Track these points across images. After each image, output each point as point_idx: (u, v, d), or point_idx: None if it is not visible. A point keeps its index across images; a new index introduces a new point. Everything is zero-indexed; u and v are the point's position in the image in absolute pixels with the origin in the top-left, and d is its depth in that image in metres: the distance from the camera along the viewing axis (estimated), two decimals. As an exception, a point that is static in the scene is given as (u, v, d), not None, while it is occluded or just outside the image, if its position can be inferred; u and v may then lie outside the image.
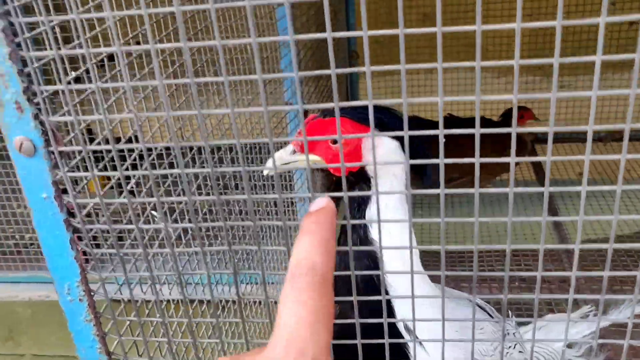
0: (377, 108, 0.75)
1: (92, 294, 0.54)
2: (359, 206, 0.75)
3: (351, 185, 0.74)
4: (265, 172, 0.67)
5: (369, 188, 0.74)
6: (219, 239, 1.07)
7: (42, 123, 0.46)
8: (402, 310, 0.75)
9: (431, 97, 0.41)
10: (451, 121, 1.97)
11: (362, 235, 0.75)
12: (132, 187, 0.66)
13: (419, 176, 0.78)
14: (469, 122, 1.94)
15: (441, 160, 0.42)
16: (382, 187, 0.73)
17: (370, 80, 0.40)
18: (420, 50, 2.09)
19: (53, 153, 0.48)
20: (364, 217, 0.75)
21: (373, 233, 0.75)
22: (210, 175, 0.43)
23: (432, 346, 0.72)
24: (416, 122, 2.10)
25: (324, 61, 1.68)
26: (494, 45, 2.18)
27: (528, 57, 0.37)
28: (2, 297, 1.65)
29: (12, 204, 1.94)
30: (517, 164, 0.43)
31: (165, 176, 0.77)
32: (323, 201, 0.42)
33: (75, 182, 0.50)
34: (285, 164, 0.70)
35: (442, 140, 0.42)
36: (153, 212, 0.73)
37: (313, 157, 0.71)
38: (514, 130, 0.42)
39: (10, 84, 0.45)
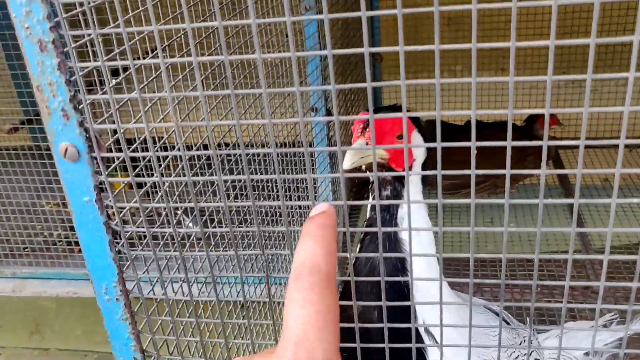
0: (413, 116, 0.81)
1: (128, 293, 0.56)
2: (389, 206, 0.78)
3: (384, 185, 0.78)
4: (346, 166, 0.70)
5: (402, 187, 0.78)
6: (245, 239, 1.09)
7: (86, 130, 0.48)
8: (423, 313, 0.76)
9: (464, 111, 0.42)
10: (476, 126, 1.97)
11: (391, 236, 0.77)
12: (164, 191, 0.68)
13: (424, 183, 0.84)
14: (493, 127, 1.94)
15: (472, 172, 0.43)
16: (412, 189, 0.78)
17: (405, 92, 0.42)
18: (445, 53, 2.08)
19: (95, 159, 0.50)
20: (394, 216, 0.77)
21: (402, 232, 0.77)
22: (247, 182, 0.45)
23: (448, 349, 0.73)
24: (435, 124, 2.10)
25: (348, 65, 1.70)
26: (525, 56, 2.18)
27: (555, 63, 0.38)
28: (31, 293, 1.68)
29: (42, 202, 1.98)
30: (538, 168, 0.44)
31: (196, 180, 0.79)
32: (324, 206, 0.42)
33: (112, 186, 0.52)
34: (362, 157, 0.71)
35: (474, 153, 0.43)
36: (184, 215, 0.75)
37: (381, 152, 0.74)
38: (545, 143, 0.43)
39: (58, 92, 0.47)
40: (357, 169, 0.71)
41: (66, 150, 0.49)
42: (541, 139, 0.43)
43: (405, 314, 0.53)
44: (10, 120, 2.02)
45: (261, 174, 0.73)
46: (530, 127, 2.04)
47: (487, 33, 2.10)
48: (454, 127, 1.97)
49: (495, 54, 2.20)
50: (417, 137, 0.79)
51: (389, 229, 0.78)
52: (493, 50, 2.29)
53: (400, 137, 0.76)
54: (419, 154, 0.80)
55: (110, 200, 0.51)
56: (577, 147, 0.42)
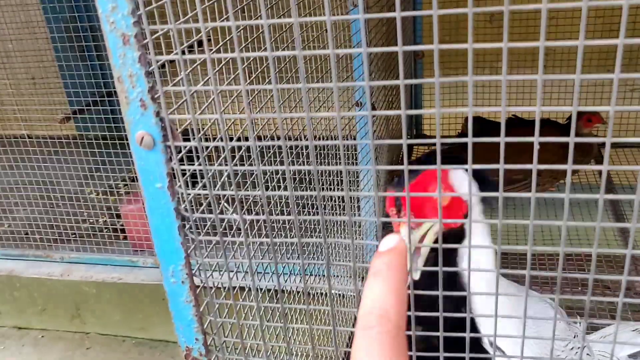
0: (449, 154, 0.75)
1: (193, 277, 0.59)
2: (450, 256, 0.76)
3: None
4: (415, 277, 0.64)
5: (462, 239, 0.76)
6: (292, 230, 1.11)
7: (161, 119, 0.51)
8: (485, 326, 0.76)
9: (495, 107, 0.43)
10: (515, 123, 1.96)
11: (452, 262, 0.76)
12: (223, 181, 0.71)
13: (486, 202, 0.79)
14: (533, 124, 1.93)
15: (534, 166, 0.44)
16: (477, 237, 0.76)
17: (438, 92, 0.43)
18: (487, 50, 2.09)
19: (169, 147, 0.52)
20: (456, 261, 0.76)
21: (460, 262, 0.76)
22: (314, 171, 0.47)
23: (507, 345, 0.74)
24: (479, 123, 2.11)
25: (391, 60, 1.71)
26: (562, 54, 2.16)
27: (593, 55, 0.39)
28: (78, 277, 1.74)
29: (88, 189, 2.05)
30: (576, 171, 0.45)
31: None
32: (394, 240, 0.39)
33: (183, 174, 0.55)
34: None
35: (536, 148, 0.44)
36: (226, 205, 0.77)
37: (427, 225, 0.66)
38: (571, 140, 0.44)
39: (138, 83, 0.50)
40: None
41: (142, 138, 0.52)
42: (584, 137, 0.44)
43: (464, 328, 0.53)
44: (59, 111, 2.09)
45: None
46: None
47: (530, 30, 2.09)
48: (493, 123, 1.96)
49: (536, 52, 2.17)
50: (463, 183, 0.72)
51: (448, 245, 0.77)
52: (535, 48, 2.27)
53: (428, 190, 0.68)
54: (473, 199, 0.72)
55: (180, 187, 0.54)
56: (621, 145, 0.43)
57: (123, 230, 1.80)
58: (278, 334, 0.72)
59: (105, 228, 1.89)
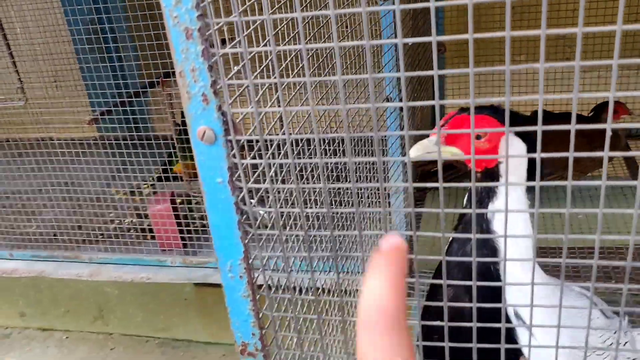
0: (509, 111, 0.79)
1: (251, 271, 0.58)
2: (481, 200, 0.78)
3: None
4: (411, 155, 0.70)
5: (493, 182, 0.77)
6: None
7: (223, 114, 0.51)
8: (512, 296, 0.77)
9: (532, 95, 0.43)
10: (543, 116, 1.94)
11: (484, 227, 0.78)
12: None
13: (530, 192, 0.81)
14: (560, 117, 1.91)
15: (571, 154, 0.44)
16: (515, 196, 0.78)
17: (472, 81, 0.42)
18: (514, 44, 2.07)
19: (230, 142, 0.52)
20: (486, 208, 0.78)
21: (495, 226, 0.77)
22: (349, 164, 0.47)
23: (540, 331, 0.74)
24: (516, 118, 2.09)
25: (416, 56, 1.70)
26: (586, 45, 2.14)
27: (624, 53, 0.39)
28: (107, 277, 1.75)
29: (112, 190, 2.06)
30: (610, 159, 0.44)
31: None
32: (394, 239, 0.40)
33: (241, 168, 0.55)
34: (428, 152, 0.72)
35: (572, 138, 0.44)
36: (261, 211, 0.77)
37: (454, 150, 0.74)
38: (609, 126, 0.43)
39: (200, 78, 0.50)
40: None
41: (204, 133, 0.52)
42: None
43: (495, 299, 0.54)
44: (82, 113, 2.10)
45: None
46: (597, 117, 2.00)
47: (553, 22, 2.07)
48: (521, 117, 1.95)
49: (562, 43, 2.16)
50: (513, 142, 0.78)
51: (482, 210, 0.78)
52: (559, 39, 2.26)
53: (478, 137, 0.75)
54: (518, 161, 0.77)
55: (240, 182, 0.54)
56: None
57: (150, 230, 1.80)
58: (334, 329, 0.71)
59: (132, 228, 1.90)
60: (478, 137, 0.75)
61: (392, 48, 1.32)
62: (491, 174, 0.77)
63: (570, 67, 0.41)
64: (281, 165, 0.61)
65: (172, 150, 1.94)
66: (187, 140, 1.57)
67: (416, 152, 0.73)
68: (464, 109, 0.75)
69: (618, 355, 0.88)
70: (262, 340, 0.61)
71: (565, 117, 1.96)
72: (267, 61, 0.67)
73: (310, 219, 0.76)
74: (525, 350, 0.71)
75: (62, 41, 2.22)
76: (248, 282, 0.58)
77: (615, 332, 0.89)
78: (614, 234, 1.75)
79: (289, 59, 0.70)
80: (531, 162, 0.78)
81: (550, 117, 1.90)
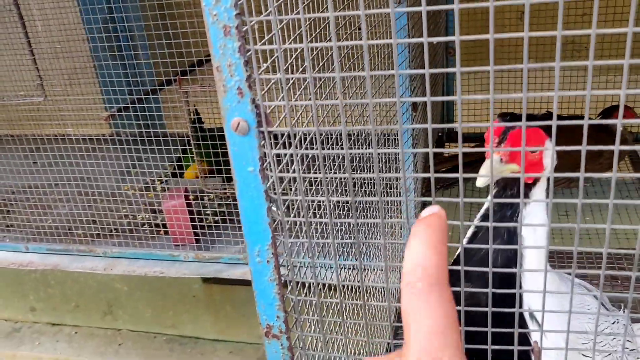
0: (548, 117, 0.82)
1: (278, 256, 0.62)
2: (513, 205, 0.81)
3: (511, 185, 0.81)
4: (479, 184, 0.73)
5: (529, 189, 0.81)
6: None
7: (256, 106, 0.54)
8: (529, 300, 0.80)
9: (548, 92, 0.46)
10: (551, 118, 1.97)
11: (512, 229, 0.80)
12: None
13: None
14: (568, 119, 1.94)
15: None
16: (539, 191, 0.81)
17: (493, 79, 0.46)
18: (518, 47, 2.11)
19: (262, 133, 0.55)
20: (516, 213, 0.81)
21: (522, 228, 0.80)
22: (373, 155, 0.50)
23: (548, 326, 0.77)
24: (514, 118, 2.12)
25: (430, 58, 1.73)
26: (601, 45, 2.17)
27: (634, 56, 0.42)
28: (121, 272, 1.79)
29: (126, 185, 2.09)
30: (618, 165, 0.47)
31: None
32: (434, 208, 0.41)
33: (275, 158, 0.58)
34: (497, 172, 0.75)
35: (585, 132, 0.47)
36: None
37: (513, 167, 0.76)
38: (619, 122, 0.46)
39: (236, 73, 0.53)
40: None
41: (238, 124, 0.55)
42: (616, 133, 0.46)
43: (512, 300, 0.57)
44: (97, 110, 2.14)
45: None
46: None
47: (563, 27, 2.09)
48: (532, 117, 1.98)
49: (571, 48, 2.20)
50: (549, 146, 0.80)
51: (501, 224, 0.81)
52: (567, 44, 2.29)
53: (532, 152, 0.78)
54: (549, 164, 0.81)
55: (270, 171, 0.57)
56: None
57: (164, 226, 1.84)
58: (356, 313, 0.75)
59: (147, 223, 1.93)
60: (532, 151, 0.77)
61: (405, 50, 1.35)
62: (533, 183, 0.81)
63: (581, 72, 0.44)
64: (307, 156, 0.64)
65: (186, 147, 1.98)
66: (203, 138, 1.60)
67: (485, 178, 0.74)
68: (504, 117, 0.78)
69: (619, 345, 0.91)
70: (286, 323, 0.64)
71: (573, 120, 1.98)
72: (295, 55, 0.71)
73: (335, 209, 0.79)
74: (535, 336, 0.74)
75: (78, 39, 2.26)
76: (275, 267, 0.62)
77: (614, 323, 0.92)
78: (621, 239, 1.77)
79: (311, 55, 0.74)
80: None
81: (560, 119, 1.92)
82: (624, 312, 1.07)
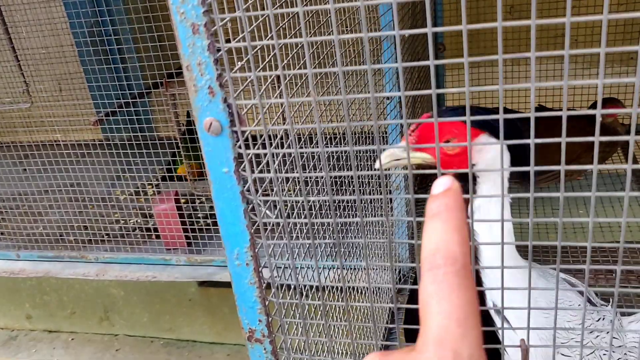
0: (485, 110, 0.78)
1: (257, 259, 0.60)
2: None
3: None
4: (377, 166, 0.70)
5: (473, 184, 0.77)
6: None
7: (229, 106, 0.53)
8: (492, 296, 0.78)
9: (525, 84, 0.45)
10: (541, 112, 1.96)
11: None
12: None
13: (522, 178, 0.81)
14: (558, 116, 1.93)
15: (562, 167, 0.45)
16: (486, 187, 0.77)
17: (467, 71, 0.44)
18: (508, 42, 2.10)
19: (236, 132, 0.54)
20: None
21: (475, 223, 0.77)
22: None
23: (518, 324, 0.75)
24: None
25: (416, 54, 1.72)
26: (585, 36, 2.16)
27: (614, 43, 0.41)
28: (113, 277, 1.77)
29: (117, 190, 2.08)
30: (610, 156, 0.46)
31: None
32: (448, 181, 0.38)
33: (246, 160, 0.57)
34: (397, 159, 0.72)
35: (564, 125, 0.46)
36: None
37: (424, 155, 0.74)
38: (598, 112, 0.45)
39: (206, 71, 0.52)
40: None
41: (210, 124, 0.54)
42: (608, 125, 0.45)
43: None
44: (86, 116, 2.13)
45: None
46: (594, 115, 2.02)
47: (552, 14, 2.09)
48: (478, 111, 1.97)
49: (562, 41, 2.18)
50: (491, 147, 0.76)
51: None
52: (558, 37, 2.28)
53: (448, 142, 0.74)
54: (487, 157, 0.77)
55: (244, 171, 0.56)
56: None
57: (155, 230, 1.83)
58: (340, 314, 0.73)
59: (137, 228, 1.92)
60: (447, 141, 0.74)
61: (391, 46, 1.34)
62: (465, 176, 0.77)
63: (579, 64, 0.43)
64: (284, 156, 0.63)
65: (175, 150, 1.96)
66: (192, 140, 1.60)
67: (385, 159, 0.71)
68: (443, 112, 0.75)
69: (603, 342, 0.90)
70: (268, 326, 0.63)
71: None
72: (271, 56, 0.70)
73: (313, 210, 0.78)
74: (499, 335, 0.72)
75: (65, 44, 2.24)
76: (254, 270, 0.60)
77: (599, 320, 0.91)
78: (615, 232, 1.76)
79: (290, 56, 0.72)
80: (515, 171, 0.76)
81: (552, 116, 1.91)
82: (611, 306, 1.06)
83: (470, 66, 2.32)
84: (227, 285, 2.58)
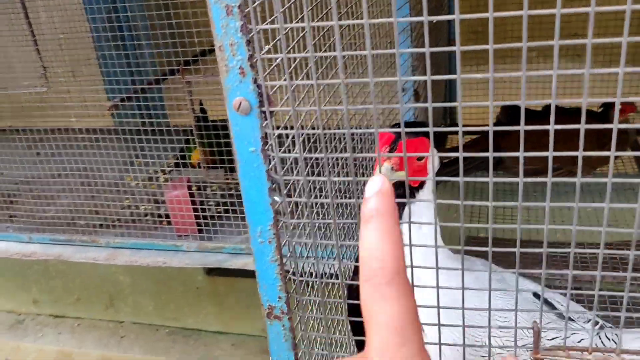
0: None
1: (279, 237, 0.62)
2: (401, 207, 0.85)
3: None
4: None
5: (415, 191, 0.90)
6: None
7: (258, 86, 0.55)
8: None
9: (516, 72, 0.46)
10: (549, 111, 1.97)
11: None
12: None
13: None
14: (570, 112, 1.94)
15: (550, 154, 0.47)
16: (426, 192, 0.89)
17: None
18: (514, 40, 2.10)
19: (264, 112, 0.56)
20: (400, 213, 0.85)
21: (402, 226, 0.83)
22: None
23: (428, 329, 0.77)
24: (514, 111, 2.12)
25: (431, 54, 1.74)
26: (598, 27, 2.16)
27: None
28: (123, 262, 1.79)
29: (129, 175, 2.10)
30: (618, 157, 0.47)
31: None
32: (378, 182, 0.39)
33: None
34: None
35: (582, 137, 0.47)
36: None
37: (402, 174, 0.81)
38: (615, 126, 0.46)
39: (238, 52, 0.53)
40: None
41: (240, 104, 0.55)
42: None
43: None
44: (100, 102, 2.15)
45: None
46: (607, 113, 2.03)
47: (564, 25, 2.09)
48: (531, 112, 1.98)
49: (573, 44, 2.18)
50: (434, 151, 0.87)
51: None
52: (570, 36, 2.28)
53: (419, 159, 0.85)
54: (436, 164, 0.90)
55: (272, 151, 0.58)
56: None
57: (167, 216, 1.84)
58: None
59: (149, 214, 1.94)
60: (419, 159, 0.85)
61: (407, 40, 1.35)
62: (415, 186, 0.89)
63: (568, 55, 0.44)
64: (310, 139, 0.64)
65: (189, 137, 1.98)
66: (206, 128, 1.61)
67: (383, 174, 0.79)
68: (395, 127, 0.84)
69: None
70: (287, 303, 0.65)
71: (575, 113, 1.98)
72: (300, 37, 0.71)
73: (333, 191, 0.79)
74: None
75: (81, 30, 2.26)
76: (276, 247, 0.62)
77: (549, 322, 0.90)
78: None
79: (317, 38, 0.74)
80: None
81: (561, 112, 1.92)
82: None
83: (479, 64, 2.32)
84: (234, 274, 2.59)
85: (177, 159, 2.07)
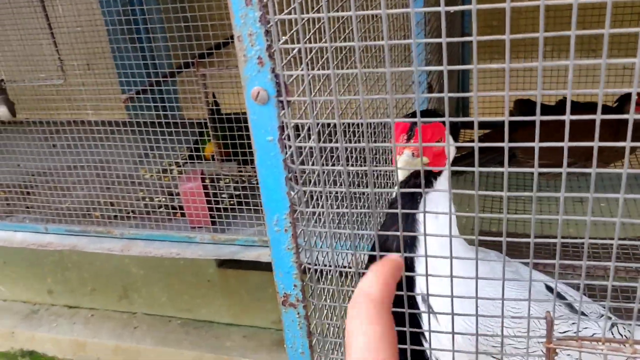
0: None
1: (296, 226, 0.63)
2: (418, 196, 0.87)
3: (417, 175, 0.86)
4: (401, 178, 0.80)
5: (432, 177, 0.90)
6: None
7: (276, 76, 0.56)
8: (420, 283, 0.83)
9: (532, 64, 0.46)
10: (564, 106, 1.96)
11: (410, 215, 0.86)
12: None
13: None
14: (584, 107, 1.93)
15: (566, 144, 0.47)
16: (443, 179, 0.89)
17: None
18: (536, 20, 2.09)
19: (282, 102, 0.57)
20: (417, 200, 0.87)
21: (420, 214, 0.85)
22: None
23: (444, 316, 0.79)
24: (529, 105, 2.12)
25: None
26: (620, 36, 2.15)
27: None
28: (137, 253, 1.81)
29: (144, 167, 2.12)
30: (633, 150, 0.47)
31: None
32: (393, 256, 0.49)
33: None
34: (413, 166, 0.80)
35: (597, 129, 0.47)
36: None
37: (426, 160, 0.84)
38: (631, 116, 0.46)
39: (257, 42, 0.54)
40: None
41: (258, 94, 0.56)
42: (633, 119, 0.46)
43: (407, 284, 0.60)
44: (114, 95, 2.17)
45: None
46: (622, 107, 2.02)
47: (579, 19, 2.08)
48: (545, 106, 1.97)
49: (588, 38, 2.17)
50: (450, 139, 0.87)
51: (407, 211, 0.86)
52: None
53: (438, 141, 0.85)
54: (452, 153, 0.90)
55: (288, 140, 0.59)
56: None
57: (181, 208, 1.86)
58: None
59: (163, 205, 1.96)
60: (439, 141, 0.84)
61: (421, 33, 1.35)
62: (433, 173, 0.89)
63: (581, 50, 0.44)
64: (325, 130, 0.65)
65: (203, 130, 1.99)
66: (220, 120, 1.62)
67: (404, 173, 0.80)
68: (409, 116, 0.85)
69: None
70: (302, 291, 0.66)
71: (590, 108, 1.98)
72: (316, 28, 0.72)
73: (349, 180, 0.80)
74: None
75: (96, 24, 2.28)
76: (292, 236, 0.63)
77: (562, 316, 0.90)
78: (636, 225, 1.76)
79: (333, 29, 0.74)
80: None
81: (576, 107, 1.91)
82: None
83: (493, 57, 2.32)
84: (246, 267, 2.60)
85: (191, 151, 2.09)
